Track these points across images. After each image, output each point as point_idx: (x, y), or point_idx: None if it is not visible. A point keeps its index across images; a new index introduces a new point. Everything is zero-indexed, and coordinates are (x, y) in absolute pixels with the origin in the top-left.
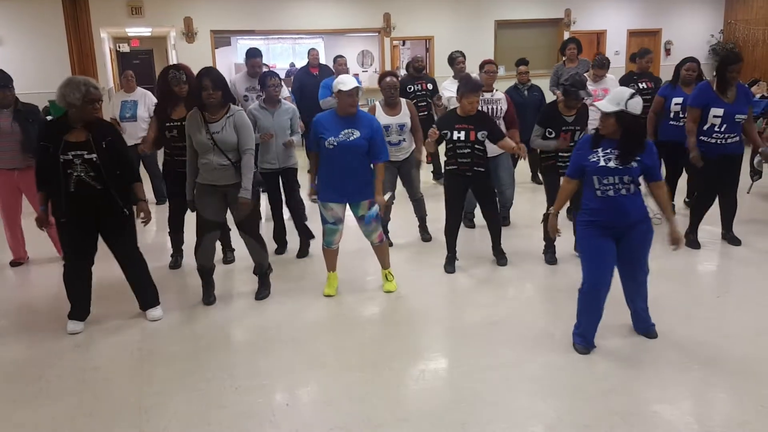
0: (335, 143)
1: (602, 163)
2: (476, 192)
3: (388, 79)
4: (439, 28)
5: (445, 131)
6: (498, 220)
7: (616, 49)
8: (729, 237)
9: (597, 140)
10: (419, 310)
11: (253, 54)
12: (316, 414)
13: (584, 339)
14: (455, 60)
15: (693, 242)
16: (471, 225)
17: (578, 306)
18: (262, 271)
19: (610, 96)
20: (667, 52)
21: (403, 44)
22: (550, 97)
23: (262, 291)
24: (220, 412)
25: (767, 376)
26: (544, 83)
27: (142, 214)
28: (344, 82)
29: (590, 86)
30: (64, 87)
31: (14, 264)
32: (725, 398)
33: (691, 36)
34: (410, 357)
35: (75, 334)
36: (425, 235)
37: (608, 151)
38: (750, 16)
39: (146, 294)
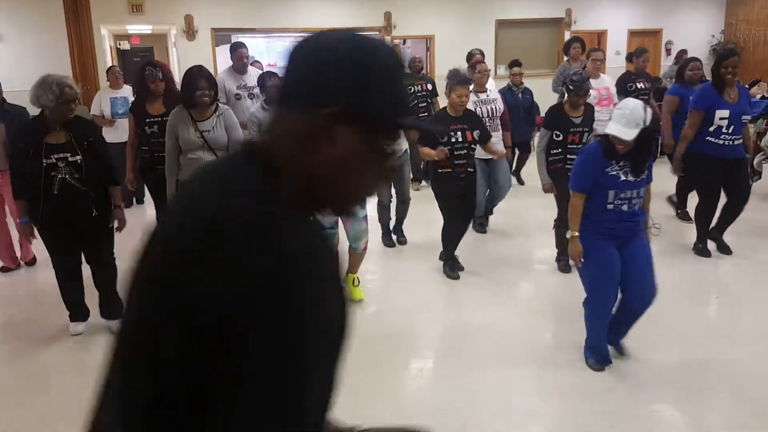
0: None
1: (623, 177)
2: (462, 194)
3: None
4: (439, 27)
5: (444, 135)
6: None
7: (617, 49)
8: (719, 243)
9: (611, 153)
10: (419, 310)
11: (237, 46)
12: None
13: (597, 352)
14: (473, 57)
15: (703, 251)
16: (483, 230)
17: (587, 321)
18: None
19: (623, 120)
20: (668, 52)
21: (404, 43)
22: (543, 100)
23: None
24: None
25: None
26: (544, 83)
27: (116, 222)
28: None
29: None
30: (37, 88)
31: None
32: (725, 399)
33: (692, 36)
34: (410, 357)
35: (77, 335)
36: (401, 238)
37: (622, 163)
38: (751, 17)
39: (113, 304)
